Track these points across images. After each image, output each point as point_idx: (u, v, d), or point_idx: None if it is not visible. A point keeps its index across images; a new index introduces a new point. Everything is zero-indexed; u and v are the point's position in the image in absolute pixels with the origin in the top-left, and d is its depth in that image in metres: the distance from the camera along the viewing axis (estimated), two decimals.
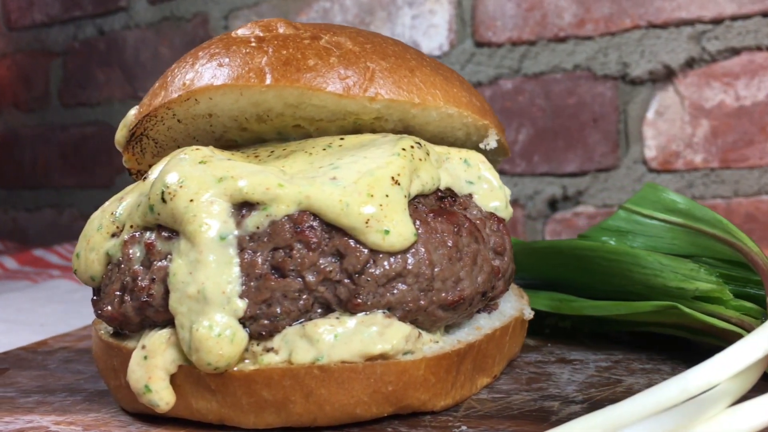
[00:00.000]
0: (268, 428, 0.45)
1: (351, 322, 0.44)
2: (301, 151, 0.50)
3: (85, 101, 1.65)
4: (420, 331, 0.47)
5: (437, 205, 0.50)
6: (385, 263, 0.45)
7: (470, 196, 0.53)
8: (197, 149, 0.47)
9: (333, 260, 0.44)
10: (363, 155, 0.47)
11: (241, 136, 0.55)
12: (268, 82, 0.48)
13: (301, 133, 0.54)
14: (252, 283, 0.44)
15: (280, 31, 0.52)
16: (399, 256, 0.45)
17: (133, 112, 0.55)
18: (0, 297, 1.06)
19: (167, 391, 0.45)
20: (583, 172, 1.15)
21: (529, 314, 0.56)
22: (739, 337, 0.50)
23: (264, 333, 0.44)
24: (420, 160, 0.48)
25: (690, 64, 1.06)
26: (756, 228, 1.03)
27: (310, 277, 0.44)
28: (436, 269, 0.46)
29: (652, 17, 1.08)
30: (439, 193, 0.51)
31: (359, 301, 0.44)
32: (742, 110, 1.04)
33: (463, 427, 0.44)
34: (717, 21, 1.04)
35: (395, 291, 0.45)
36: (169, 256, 0.45)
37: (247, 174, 0.45)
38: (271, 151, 0.52)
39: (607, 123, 1.12)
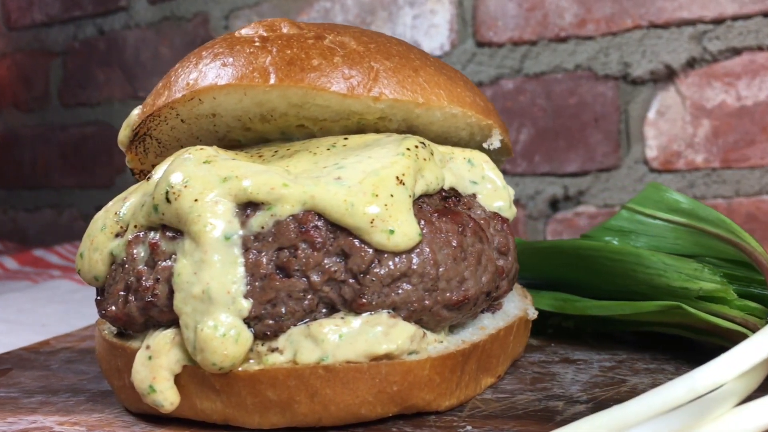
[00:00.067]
0: (273, 428, 0.45)
1: (356, 322, 0.44)
2: (305, 150, 0.50)
3: (85, 101, 1.65)
4: (425, 331, 0.47)
5: (441, 205, 0.49)
6: (390, 263, 0.45)
7: (474, 195, 0.53)
8: (201, 149, 0.47)
9: (338, 260, 0.44)
10: (367, 155, 0.47)
11: (245, 136, 0.55)
12: (272, 81, 0.48)
13: (305, 133, 0.54)
14: (257, 283, 0.44)
15: (284, 30, 0.52)
16: (404, 256, 0.45)
17: (136, 111, 0.55)
18: (0, 297, 1.06)
19: (172, 392, 0.45)
20: (585, 172, 1.15)
21: (533, 314, 0.56)
22: (744, 336, 0.50)
23: (269, 333, 0.44)
24: (424, 159, 0.48)
25: (691, 64, 1.06)
26: (757, 228, 1.03)
27: (315, 277, 0.44)
28: (440, 269, 0.46)
29: (654, 17, 1.08)
30: (443, 193, 0.50)
31: (364, 301, 0.44)
32: (743, 110, 1.04)
33: (468, 427, 0.44)
34: (718, 21, 1.04)
35: (400, 291, 0.45)
36: (173, 256, 0.45)
37: (251, 174, 0.45)
38: (275, 151, 0.51)
39: (609, 123, 1.12)
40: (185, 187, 0.45)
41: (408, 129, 0.54)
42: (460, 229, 0.48)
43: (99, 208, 0.53)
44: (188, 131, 0.54)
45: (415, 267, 0.45)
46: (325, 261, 0.44)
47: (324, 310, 0.45)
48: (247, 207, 0.45)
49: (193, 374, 0.45)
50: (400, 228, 0.44)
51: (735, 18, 1.03)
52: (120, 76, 1.59)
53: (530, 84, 1.17)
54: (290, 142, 0.54)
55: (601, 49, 1.12)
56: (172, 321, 0.45)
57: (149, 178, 0.50)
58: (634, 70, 1.09)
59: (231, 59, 0.50)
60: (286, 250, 0.44)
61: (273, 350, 0.44)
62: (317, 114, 0.51)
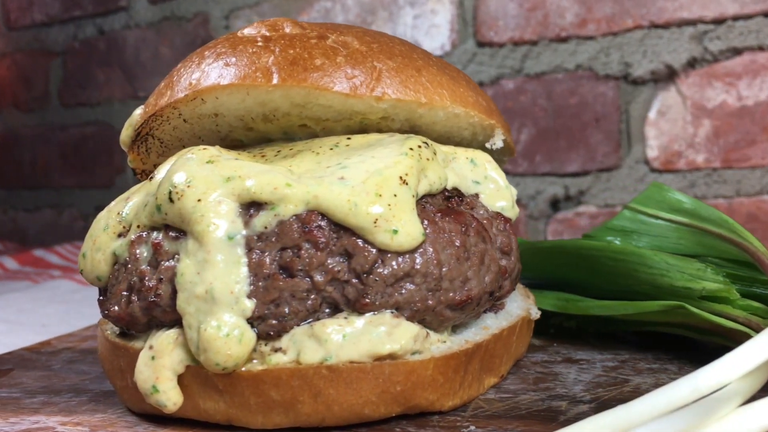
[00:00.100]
0: (276, 428, 0.45)
1: (359, 322, 0.44)
2: (308, 150, 0.50)
3: (85, 101, 1.65)
4: (428, 331, 0.47)
5: (444, 205, 0.49)
6: (394, 263, 0.44)
7: (477, 195, 0.53)
8: (204, 149, 0.47)
9: (341, 260, 0.44)
10: (371, 155, 0.47)
11: (247, 136, 0.55)
12: (275, 81, 0.48)
13: (307, 133, 0.54)
14: (260, 283, 0.43)
15: (287, 30, 0.52)
16: (407, 255, 0.45)
17: (138, 111, 0.55)
18: (0, 297, 1.06)
19: (175, 392, 0.45)
20: (585, 172, 1.15)
21: (535, 314, 0.56)
22: (747, 336, 0.50)
23: (272, 333, 0.44)
24: (427, 159, 0.48)
25: (692, 64, 1.06)
26: (758, 228, 1.03)
27: (319, 277, 0.44)
28: (444, 269, 0.46)
29: (654, 17, 1.08)
30: (446, 193, 0.50)
31: (367, 300, 0.44)
32: (744, 110, 1.04)
33: (472, 427, 0.44)
34: (719, 21, 1.04)
35: (403, 291, 0.45)
36: (176, 256, 0.45)
37: (254, 174, 0.45)
38: (278, 151, 0.51)
39: (609, 123, 1.12)
40: (188, 186, 0.44)
41: (411, 129, 0.54)
42: (463, 229, 0.47)
43: (99, 208, 0.53)
44: (191, 131, 0.54)
45: (418, 267, 0.45)
46: (329, 261, 0.44)
47: (327, 310, 0.45)
48: (251, 207, 0.44)
49: (196, 374, 0.45)
50: (404, 228, 0.44)
51: (736, 18, 1.03)
52: (120, 76, 1.59)
53: (531, 84, 1.17)
54: (293, 141, 0.54)
55: (601, 49, 1.12)
56: (175, 321, 0.45)
57: (152, 177, 0.50)
58: (635, 70, 1.09)
59: (234, 59, 0.50)
60: (289, 250, 0.44)
61: (276, 350, 0.44)
62: (320, 114, 0.51)
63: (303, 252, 0.44)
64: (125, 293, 0.47)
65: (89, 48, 1.63)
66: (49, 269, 1.32)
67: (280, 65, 0.49)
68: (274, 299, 0.44)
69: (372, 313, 0.44)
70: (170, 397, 0.45)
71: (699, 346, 0.59)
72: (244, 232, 0.44)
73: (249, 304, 0.43)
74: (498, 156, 0.61)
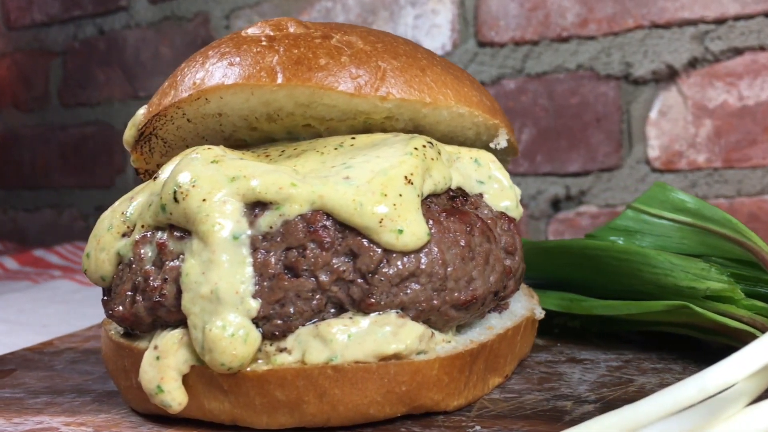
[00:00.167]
0: (281, 429, 0.45)
1: (364, 322, 0.44)
2: (312, 150, 0.50)
3: (85, 101, 1.65)
4: (433, 331, 0.47)
5: (449, 205, 0.49)
6: (399, 263, 0.44)
7: (481, 195, 0.53)
8: (209, 148, 0.47)
9: (346, 260, 0.44)
10: (375, 154, 0.47)
11: (251, 136, 0.54)
12: (279, 81, 0.48)
13: (311, 133, 0.54)
14: (265, 283, 0.43)
15: (291, 30, 0.52)
16: (412, 255, 0.45)
17: (142, 111, 0.55)
18: (1, 298, 1.06)
19: (180, 392, 0.45)
20: (586, 171, 1.15)
21: (540, 314, 0.56)
22: (751, 336, 0.50)
23: (277, 333, 0.44)
24: (432, 159, 0.48)
25: (693, 64, 1.06)
26: (759, 227, 1.03)
27: (324, 277, 0.44)
28: (449, 269, 0.46)
29: (655, 17, 1.08)
30: (451, 193, 0.50)
31: (373, 300, 0.44)
32: (745, 110, 1.04)
33: (477, 427, 0.44)
34: (720, 21, 1.04)
35: (409, 291, 0.45)
36: (181, 256, 0.45)
37: (259, 173, 0.44)
38: (282, 151, 0.51)
39: (610, 123, 1.12)
40: (193, 186, 0.44)
41: (415, 128, 0.53)
42: (468, 229, 0.47)
43: (99, 208, 0.53)
44: (194, 131, 0.54)
45: (423, 267, 0.45)
46: (334, 261, 0.44)
47: (332, 310, 0.45)
48: (256, 207, 0.44)
49: (201, 374, 0.45)
50: (409, 228, 0.44)
51: (737, 18, 1.03)
52: (120, 76, 1.59)
53: (532, 84, 1.17)
54: (297, 141, 0.54)
55: (602, 49, 1.12)
56: (179, 321, 0.45)
57: (156, 177, 0.50)
58: (636, 70, 1.10)
59: (238, 59, 0.49)
60: (294, 250, 0.44)
61: (281, 350, 0.44)
62: (324, 113, 0.51)
63: (308, 252, 0.44)
64: (130, 293, 0.47)
65: (89, 48, 1.63)
66: (50, 269, 1.32)
67: (285, 65, 0.48)
68: (279, 299, 0.44)
69: (377, 313, 0.44)
70: (175, 397, 0.45)
71: (703, 346, 0.59)
72: (249, 231, 0.44)
73: (254, 304, 0.43)
74: (501, 156, 0.61)
